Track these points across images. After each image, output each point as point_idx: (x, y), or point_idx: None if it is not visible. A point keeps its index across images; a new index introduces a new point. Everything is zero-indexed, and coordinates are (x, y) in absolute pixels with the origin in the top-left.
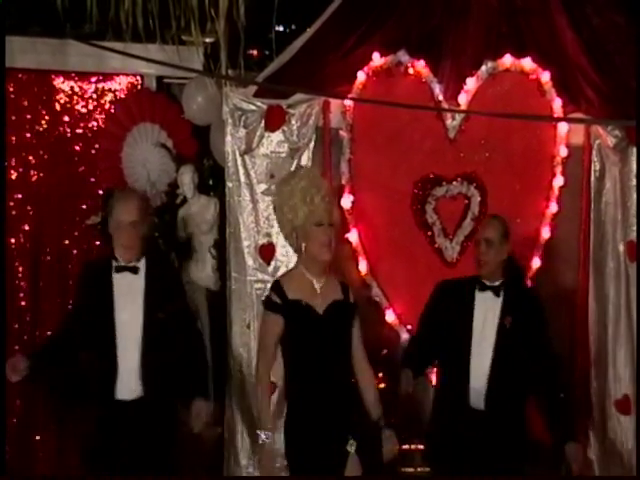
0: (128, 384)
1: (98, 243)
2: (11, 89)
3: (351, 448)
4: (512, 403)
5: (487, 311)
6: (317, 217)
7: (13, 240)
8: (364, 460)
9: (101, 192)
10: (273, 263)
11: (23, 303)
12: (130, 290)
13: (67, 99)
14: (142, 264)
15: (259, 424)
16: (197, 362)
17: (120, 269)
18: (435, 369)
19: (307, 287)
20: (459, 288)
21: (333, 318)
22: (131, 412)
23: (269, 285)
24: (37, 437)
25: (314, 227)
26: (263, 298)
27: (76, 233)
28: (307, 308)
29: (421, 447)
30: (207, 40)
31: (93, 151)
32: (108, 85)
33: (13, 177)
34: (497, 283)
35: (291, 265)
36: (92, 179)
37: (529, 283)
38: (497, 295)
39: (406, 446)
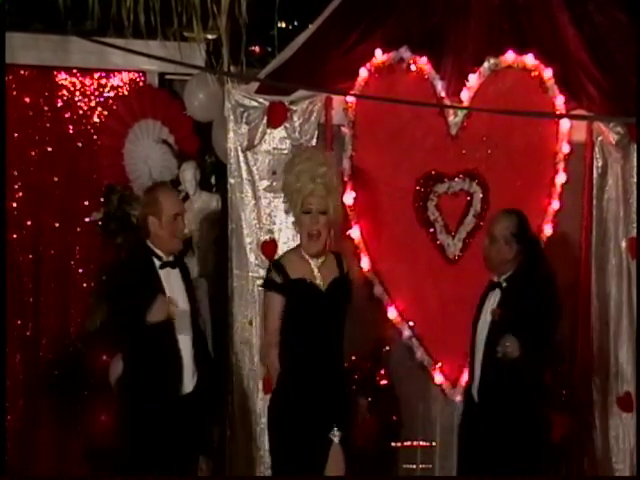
0: (188, 379)
1: (100, 239)
2: (13, 86)
3: (335, 437)
4: (503, 396)
5: (488, 307)
6: (306, 204)
7: (15, 236)
8: (348, 451)
9: (103, 189)
10: None
11: (25, 299)
12: (175, 285)
13: (69, 95)
14: (175, 259)
15: None
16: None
17: (163, 265)
18: (438, 367)
19: (306, 267)
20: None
21: (334, 295)
22: (186, 406)
23: None
24: (38, 437)
25: (303, 215)
26: (263, 272)
27: (78, 229)
28: (310, 286)
29: (423, 444)
30: (209, 37)
31: (95, 147)
32: (110, 81)
33: (15, 173)
34: (502, 279)
35: None
36: (94, 175)
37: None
38: (500, 289)
39: (407, 443)
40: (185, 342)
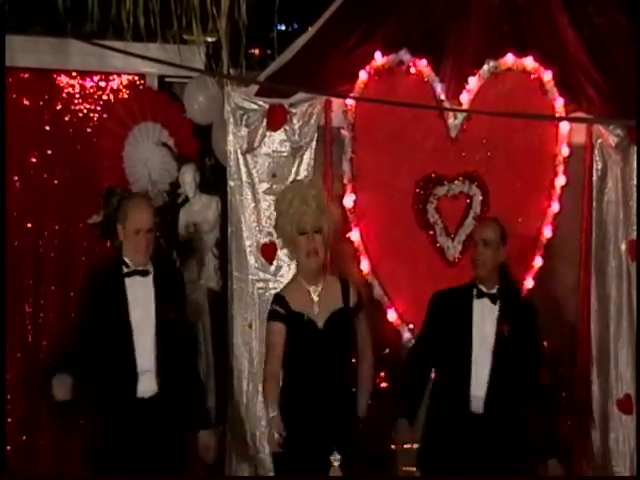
0: (146, 383)
1: (99, 242)
2: (12, 88)
3: (335, 461)
4: (511, 408)
5: (485, 318)
6: (301, 226)
7: (15, 238)
8: (348, 475)
9: (103, 191)
10: (275, 262)
11: (25, 300)
12: (142, 293)
13: (68, 98)
14: (150, 267)
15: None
16: (194, 391)
17: (131, 273)
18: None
19: (305, 298)
20: (455, 297)
21: (332, 331)
22: (149, 409)
23: (271, 285)
24: (38, 437)
25: (299, 236)
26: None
27: (78, 231)
28: (308, 323)
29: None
30: (208, 39)
31: (94, 150)
32: (109, 84)
33: (15, 177)
34: (493, 290)
35: (293, 265)
36: (93, 178)
37: (524, 290)
38: (494, 303)
39: (407, 445)
40: (145, 348)
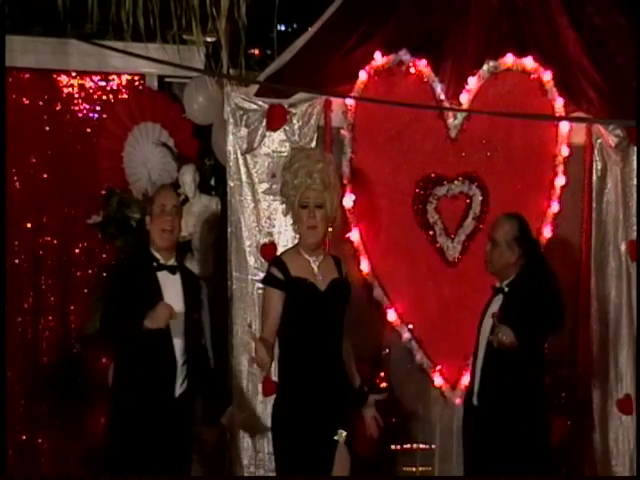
0: (178, 382)
1: (99, 242)
2: (12, 89)
3: (340, 438)
4: (503, 399)
5: (490, 311)
6: (303, 199)
7: (15, 239)
8: (353, 451)
9: (103, 192)
10: None
11: (25, 301)
12: (173, 289)
13: (68, 98)
14: (175, 264)
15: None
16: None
17: (160, 268)
18: (438, 369)
19: (306, 265)
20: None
21: (334, 297)
22: (177, 407)
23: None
24: (38, 438)
25: (300, 209)
26: (262, 275)
27: (78, 232)
28: (311, 286)
29: (422, 447)
30: (208, 39)
31: (94, 150)
32: (109, 84)
33: (14, 177)
34: (502, 285)
35: None
36: (93, 178)
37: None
38: (504, 294)
39: (407, 445)
40: (178, 346)
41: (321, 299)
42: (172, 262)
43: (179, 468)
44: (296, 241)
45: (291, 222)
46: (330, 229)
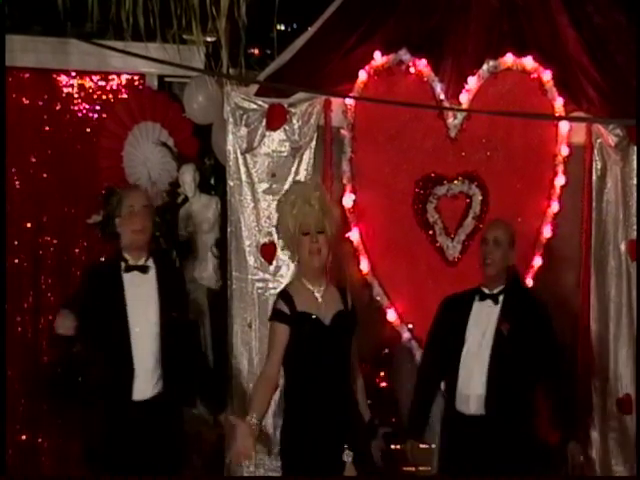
0: (144, 384)
1: (99, 242)
2: (12, 88)
3: (348, 458)
4: (512, 407)
5: (483, 319)
6: (304, 226)
7: (14, 239)
8: (362, 471)
9: (103, 191)
10: (274, 262)
11: (25, 300)
12: (142, 290)
13: (68, 98)
14: (150, 263)
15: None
16: (201, 369)
17: (129, 269)
18: None
19: (310, 298)
20: (459, 301)
21: (338, 329)
22: (146, 412)
23: (270, 284)
24: (39, 438)
25: (302, 236)
26: (270, 309)
27: (77, 232)
28: (316, 321)
29: (422, 446)
30: (208, 39)
31: (94, 150)
32: (109, 84)
33: (14, 176)
34: (496, 291)
35: (292, 265)
36: (93, 178)
37: (529, 289)
38: (496, 303)
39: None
40: (144, 348)
41: (326, 333)
42: (142, 262)
43: (164, 469)
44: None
45: (289, 255)
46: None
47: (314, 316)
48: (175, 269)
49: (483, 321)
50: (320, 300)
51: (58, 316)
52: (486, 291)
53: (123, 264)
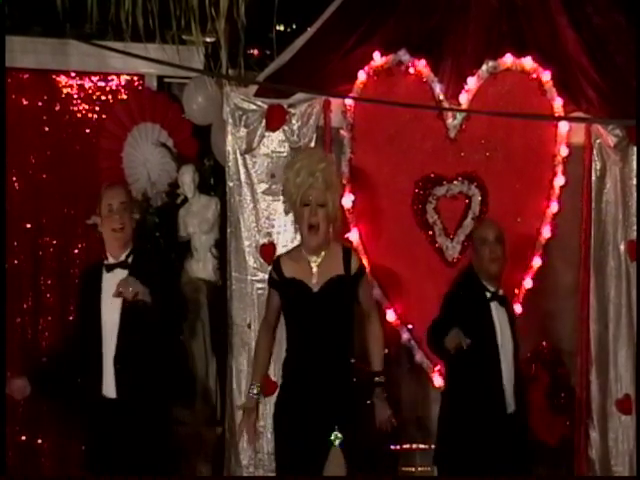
0: (110, 382)
1: (99, 242)
2: (12, 89)
3: (335, 440)
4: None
5: (501, 320)
6: (305, 197)
7: (14, 239)
8: (348, 455)
9: None
10: None
11: (25, 301)
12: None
13: (67, 99)
14: (131, 260)
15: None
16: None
17: (110, 267)
18: (437, 369)
19: (304, 265)
20: (475, 291)
21: (329, 296)
22: (115, 409)
23: None
24: (38, 437)
25: (302, 208)
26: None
27: (76, 232)
28: (300, 285)
29: (422, 447)
30: (207, 40)
31: (94, 151)
32: (109, 85)
33: (14, 177)
34: (501, 292)
35: None
36: (93, 179)
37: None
38: (502, 306)
39: (406, 445)
40: (110, 346)
41: (312, 299)
42: (123, 258)
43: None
44: (296, 242)
45: (292, 221)
46: (331, 229)
47: (298, 280)
48: (156, 267)
49: (500, 322)
50: (315, 270)
51: (10, 385)
52: (491, 290)
53: (104, 264)
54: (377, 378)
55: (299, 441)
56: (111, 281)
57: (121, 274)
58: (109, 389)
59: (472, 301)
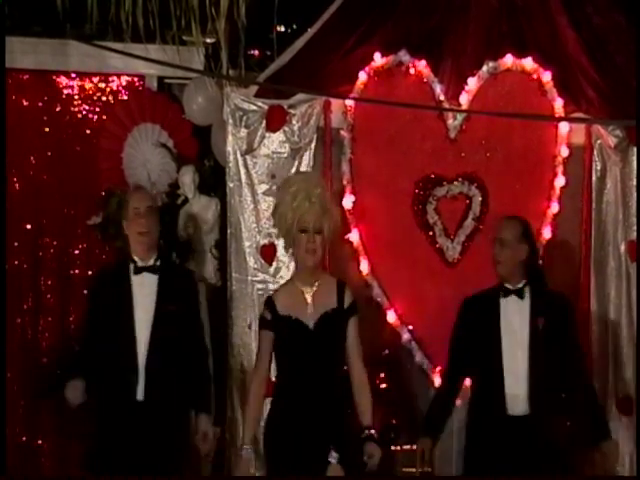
0: (143, 384)
1: (99, 243)
2: (12, 90)
3: (333, 459)
4: (554, 404)
5: (514, 315)
6: (302, 223)
7: (14, 240)
8: (348, 470)
9: (102, 193)
10: (274, 263)
11: (25, 302)
12: (149, 290)
13: (68, 99)
14: (158, 262)
15: (242, 437)
16: (200, 378)
17: (139, 270)
18: (438, 370)
19: (298, 299)
20: (482, 300)
21: (324, 332)
22: (146, 412)
23: (270, 286)
24: (38, 438)
25: (299, 233)
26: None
27: (77, 233)
28: (297, 323)
29: None
30: (208, 40)
31: (94, 151)
32: (109, 85)
33: (14, 178)
34: (520, 285)
35: (292, 265)
36: (93, 179)
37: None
38: (521, 297)
39: (407, 446)
40: (141, 350)
41: (308, 335)
42: (152, 262)
43: (163, 471)
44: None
45: (284, 247)
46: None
47: (294, 319)
48: (183, 268)
49: (515, 317)
50: (309, 301)
51: (68, 388)
52: (509, 287)
53: (132, 266)
54: (367, 431)
55: (294, 466)
56: (141, 284)
57: (149, 278)
58: (140, 391)
59: (482, 303)
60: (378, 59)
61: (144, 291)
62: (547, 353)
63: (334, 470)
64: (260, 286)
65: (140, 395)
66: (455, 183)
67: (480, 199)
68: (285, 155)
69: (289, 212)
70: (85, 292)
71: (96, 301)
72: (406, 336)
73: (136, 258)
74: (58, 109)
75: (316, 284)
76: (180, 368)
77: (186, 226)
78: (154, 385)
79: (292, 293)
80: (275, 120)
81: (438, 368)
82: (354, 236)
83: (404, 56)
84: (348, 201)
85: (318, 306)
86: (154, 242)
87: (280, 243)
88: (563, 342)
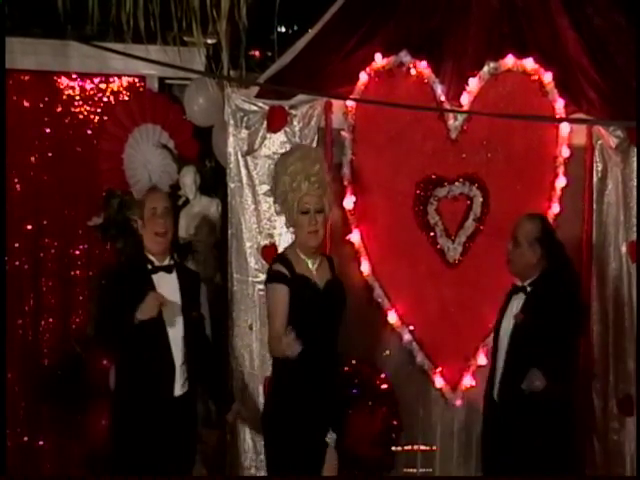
0: (179, 381)
1: (100, 244)
2: (12, 90)
3: (331, 441)
4: (522, 397)
5: (513, 310)
6: (303, 205)
7: (15, 240)
8: (342, 454)
9: (103, 194)
10: None
11: (25, 303)
12: (169, 289)
13: (68, 100)
14: (172, 262)
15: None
16: (218, 372)
17: (156, 270)
18: (438, 371)
19: (305, 265)
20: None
21: (332, 296)
22: (180, 407)
23: None
24: (39, 441)
25: (301, 215)
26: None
27: (77, 234)
28: (312, 283)
29: (423, 448)
30: (209, 41)
31: (95, 152)
32: (109, 86)
33: (15, 178)
34: (526, 284)
35: None
36: (94, 180)
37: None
38: (525, 295)
39: (408, 447)
40: (176, 345)
41: (321, 298)
42: (167, 262)
43: (182, 469)
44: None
45: (285, 222)
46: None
47: (312, 281)
48: (189, 269)
49: (511, 312)
50: (314, 271)
51: (149, 298)
52: (518, 284)
53: (149, 265)
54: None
55: (296, 442)
56: (164, 282)
57: (166, 277)
58: (178, 387)
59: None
60: (379, 60)
61: (168, 289)
62: (522, 348)
63: (331, 452)
64: (261, 287)
65: (178, 391)
66: (456, 184)
67: (481, 200)
68: None
69: (289, 193)
70: (89, 289)
71: (116, 294)
72: (407, 337)
73: (152, 258)
74: (59, 110)
75: (318, 259)
76: (202, 364)
77: (187, 227)
78: (188, 381)
79: (298, 260)
80: (276, 121)
81: (439, 369)
82: (355, 237)
83: (405, 57)
84: (349, 202)
85: (320, 275)
86: (169, 243)
87: (281, 243)
88: (545, 341)
